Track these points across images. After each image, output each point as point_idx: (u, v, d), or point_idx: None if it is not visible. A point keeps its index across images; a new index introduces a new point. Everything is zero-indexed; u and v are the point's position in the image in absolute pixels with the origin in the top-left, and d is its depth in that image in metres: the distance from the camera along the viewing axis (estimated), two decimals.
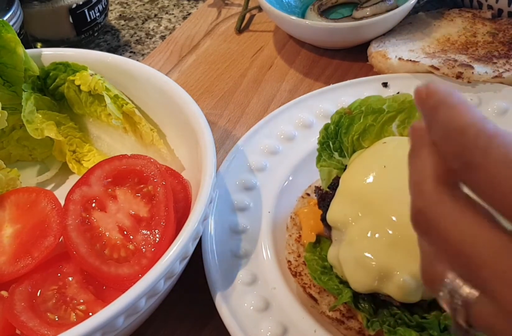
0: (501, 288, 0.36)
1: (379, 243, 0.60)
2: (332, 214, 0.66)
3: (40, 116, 0.85)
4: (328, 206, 0.67)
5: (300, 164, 0.85)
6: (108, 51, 1.19)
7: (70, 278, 0.69)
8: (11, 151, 0.90)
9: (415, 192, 0.42)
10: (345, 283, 0.65)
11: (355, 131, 0.74)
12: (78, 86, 0.86)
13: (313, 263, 0.69)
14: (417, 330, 0.61)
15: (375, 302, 0.64)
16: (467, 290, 0.39)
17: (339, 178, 0.69)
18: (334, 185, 0.70)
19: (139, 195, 0.71)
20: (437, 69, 0.94)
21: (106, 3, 1.19)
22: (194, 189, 0.74)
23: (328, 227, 0.68)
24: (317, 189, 0.75)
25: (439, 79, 0.95)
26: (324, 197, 0.71)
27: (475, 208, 0.38)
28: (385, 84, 0.96)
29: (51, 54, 0.90)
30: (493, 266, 0.36)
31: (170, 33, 1.24)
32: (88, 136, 0.90)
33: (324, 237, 0.72)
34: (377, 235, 0.60)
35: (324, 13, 1.13)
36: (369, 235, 0.61)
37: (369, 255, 0.60)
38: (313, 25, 1.04)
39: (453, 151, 0.37)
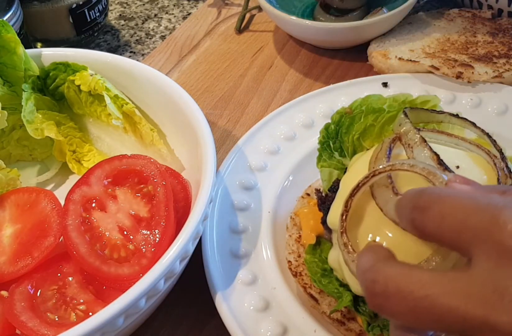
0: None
1: None
2: (333, 217, 0.66)
3: (40, 116, 0.85)
4: (329, 208, 0.67)
5: (300, 165, 0.85)
6: (108, 51, 1.19)
7: (70, 278, 0.69)
8: (11, 151, 0.90)
9: (363, 271, 0.46)
10: (345, 286, 0.65)
11: (355, 131, 0.74)
12: (78, 86, 0.86)
13: (313, 265, 0.69)
14: None
15: None
16: None
17: (339, 180, 0.69)
18: (334, 188, 0.70)
19: (139, 195, 0.71)
20: (437, 69, 0.94)
21: (106, 3, 1.19)
22: (194, 189, 0.74)
23: (328, 230, 0.68)
24: (317, 192, 0.74)
25: (439, 79, 0.95)
26: (324, 200, 0.71)
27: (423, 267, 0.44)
28: (385, 84, 0.96)
29: (51, 54, 0.90)
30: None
31: (170, 33, 1.24)
32: (88, 136, 0.90)
33: (324, 239, 0.72)
34: (377, 238, 0.60)
35: (326, 6, 1.13)
36: (369, 238, 0.61)
37: None
38: (313, 25, 1.04)
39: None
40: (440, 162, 0.59)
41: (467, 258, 0.42)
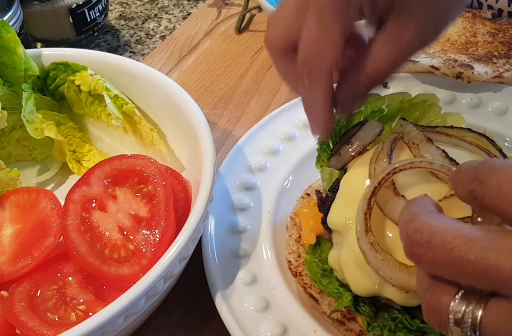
0: None
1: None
2: (333, 217, 0.66)
3: (40, 116, 0.85)
4: (329, 209, 0.67)
5: (300, 164, 0.85)
6: (108, 51, 1.19)
7: (70, 278, 0.69)
8: (11, 151, 0.90)
9: (406, 220, 0.45)
10: (345, 286, 0.65)
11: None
12: (78, 86, 0.86)
13: (313, 265, 0.69)
14: (418, 334, 0.60)
15: (376, 305, 0.64)
16: (470, 308, 0.41)
17: (339, 180, 0.69)
18: (334, 188, 0.70)
19: (139, 195, 0.71)
20: (437, 69, 0.94)
21: (106, 3, 1.19)
22: (194, 189, 0.74)
23: (328, 230, 0.68)
24: (317, 192, 0.74)
25: (439, 79, 0.95)
26: (325, 200, 0.71)
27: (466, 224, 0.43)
28: (385, 84, 0.95)
29: (51, 54, 0.90)
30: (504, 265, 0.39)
31: (170, 33, 1.24)
32: (88, 136, 0.90)
33: (324, 239, 0.72)
34: None
35: None
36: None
37: None
38: None
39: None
40: (450, 158, 0.60)
41: None
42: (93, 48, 1.19)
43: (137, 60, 1.08)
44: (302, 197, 0.80)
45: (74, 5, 1.11)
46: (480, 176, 0.43)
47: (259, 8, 1.23)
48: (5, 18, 0.96)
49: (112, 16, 1.30)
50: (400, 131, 0.65)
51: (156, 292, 0.61)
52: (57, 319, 0.65)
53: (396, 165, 0.57)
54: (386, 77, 0.62)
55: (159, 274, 0.60)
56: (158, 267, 0.60)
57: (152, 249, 0.66)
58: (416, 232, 0.43)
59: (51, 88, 0.90)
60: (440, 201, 0.58)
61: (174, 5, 1.33)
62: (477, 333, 0.41)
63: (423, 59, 0.97)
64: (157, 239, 0.67)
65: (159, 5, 1.33)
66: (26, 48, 0.86)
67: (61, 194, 0.74)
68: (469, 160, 0.50)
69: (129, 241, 0.68)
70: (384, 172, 0.58)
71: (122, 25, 1.28)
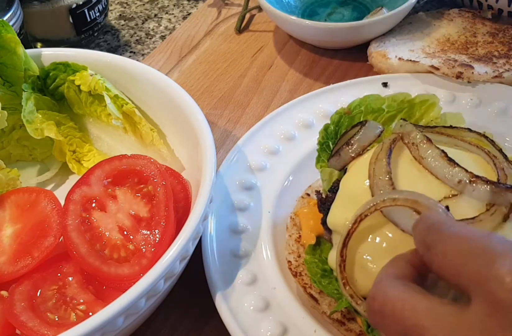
0: None
1: (379, 247, 0.60)
2: (333, 218, 0.66)
3: (40, 116, 0.85)
4: (329, 209, 0.67)
5: (300, 164, 0.85)
6: (108, 51, 1.19)
7: (70, 278, 0.69)
8: (11, 151, 0.90)
9: (373, 286, 0.48)
10: None
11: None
12: (78, 86, 0.86)
13: (313, 265, 0.69)
14: None
15: None
16: None
17: (339, 181, 0.69)
18: (334, 188, 0.70)
19: (139, 195, 0.71)
20: (437, 69, 0.94)
21: (106, 3, 1.19)
22: (194, 189, 0.74)
23: (328, 231, 0.68)
24: (317, 193, 0.74)
25: (439, 79, 0.95)
26: (325, 201, 0.71)
27: (426, 293, 0.45)
28: (385, 84, 0.96)
29: (51, 54, 0.90)
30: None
31: (170, 33, 1.24)
32: (88, 136, 0.90)
33: (324, 239, 0.72)
34: (377, 239, 0.60)
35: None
36: (369, 239, 0.61)
37: (369, 259, 0.60)
38: (313, 25, 1.04)
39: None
40: (449, 159, 0.60)
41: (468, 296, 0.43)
42: (93, 48, 1.19)
43: (137, 60, 1.08)
44: (302, 197, 0.80)
45: (74, 5, 1.11)
46: (428, 242, 0.46)
47: (259, 8, 1.23)
48: (5, 18, 0.96)
49: (112, 16, 1.30)
50: (400, 131, 0.65)
51: (156, 292, 0.61)
52: (57, 319, 0.65)
53: (361, 211, 0.58)
54: None
55: (159, 274, 0.60)
56: (158, 267, 0.60)
57: (152, 249, 0.66)
58: (373, 299, 0.46)
59: (51, 88, 0.90)
60: (440, 201, 0.58)
61: (174, 5, 1.33)
62: None
63: (423, 59, 0.97)
64: (157, 239, 0.67)
65: (159, 5, 1.33)
66: (26, 48, 0.86)
67: (61, 194, 0.74)
68: (427, 214, 0.51)
69: (129, 241, 0.68)
70: (351, 222, 0.59)
71: (122, 25, 1.28)
